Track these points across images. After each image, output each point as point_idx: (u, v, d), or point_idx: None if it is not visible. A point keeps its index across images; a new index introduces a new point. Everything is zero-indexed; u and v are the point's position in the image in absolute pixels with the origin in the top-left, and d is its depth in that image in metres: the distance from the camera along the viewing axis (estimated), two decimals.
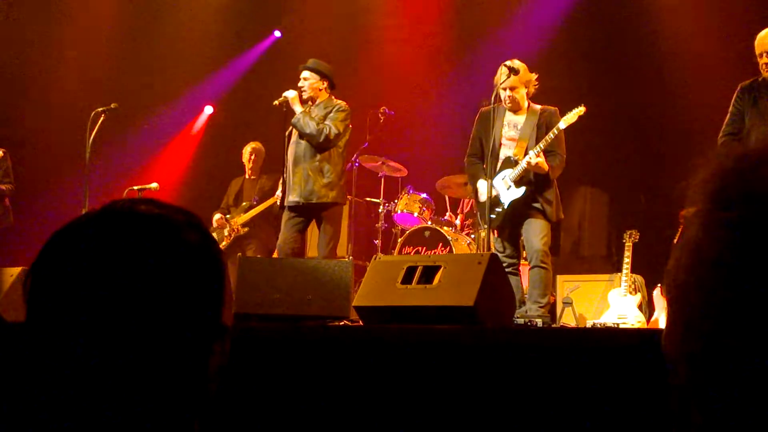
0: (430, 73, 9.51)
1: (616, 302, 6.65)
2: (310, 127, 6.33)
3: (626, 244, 6.82)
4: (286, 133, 6.58)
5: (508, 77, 5.75)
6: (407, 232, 7.75)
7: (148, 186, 7.53)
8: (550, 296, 5.90)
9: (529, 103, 5.91)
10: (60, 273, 0.99)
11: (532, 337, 3.44)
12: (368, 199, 8.40)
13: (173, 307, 1.00)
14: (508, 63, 5.80)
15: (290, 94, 6.48)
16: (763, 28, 5.23)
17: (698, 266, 0.76)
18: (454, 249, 7.33)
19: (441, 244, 7.48)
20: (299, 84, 6.56)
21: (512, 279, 5.15)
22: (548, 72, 6.60)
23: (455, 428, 3.06)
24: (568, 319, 6.89)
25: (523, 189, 5.71)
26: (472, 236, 7.76)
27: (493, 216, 5.72)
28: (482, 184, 5.83)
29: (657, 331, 4.41)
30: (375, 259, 4.46)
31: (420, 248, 7.56)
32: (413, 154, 8.72)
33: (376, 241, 8.05)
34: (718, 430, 0.75)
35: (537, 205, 5.72)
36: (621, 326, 6.03)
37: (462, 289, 3.75)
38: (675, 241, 0.84)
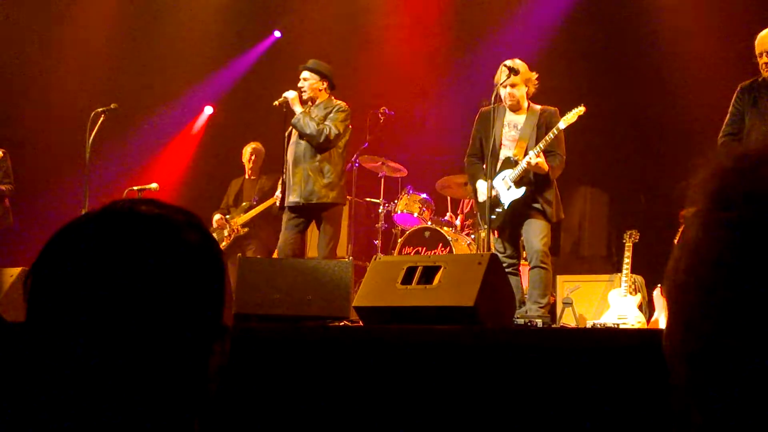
0: (430, 73, 9.51)
1: (616, 302, 6.65)
2: (310, 127, 6.33)
3: (626, 244, 6.81)
4: (286, 134, 6.58)
5: (508, 77, 5.75)
6: (407, 232, 7.75)
7: (148, 186, 7.53)
8: (550, 296, 5.90)
9: (529, 104, 5.91)
10: (60, 273, 0.99)
11: (532, 337, 3.44)
12: (368, 199, 8.40)
13: (173, 307, 1.00)
14: (508, 63, 5.80)
15: (290, 94, 6.48)
16: (763, 28, 5.23)
17: (698, 266, 0.76)
18: (454, 249, 7.33)
19: (441, 244, 7.48)
20: (299, 84, 6.56)
21: (512, 279, 5.14)
22: (548, 72, 6.60)
23: (455, 428, 3.06)
24: (568, 320, 6.89)
25: (523, 189, 5.71)
26: (472, 236, 7.76)
27: (493, 216, 5.72)
28: (482, 184, 5.83)
29: (657, 332, 4.41)
30: (375, 259, 4.46)
31: (420, 248, 7.56)
32: (413, 154, 8.72)
33: (376, 242, 8.05)
34: (718, 430, 0.75)
35: (537, 205, 5.72)
36: (621, 326, 6.03)
37: (462, 289, 3.75)
38: (675, 241, 0.84)
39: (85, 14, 9.38)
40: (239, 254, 7.74)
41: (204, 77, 9.98)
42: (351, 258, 7.70)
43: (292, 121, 6.44)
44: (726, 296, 0.73)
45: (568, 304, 6.97)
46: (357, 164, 8.01)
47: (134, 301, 0.98)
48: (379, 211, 8.13)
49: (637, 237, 6.83)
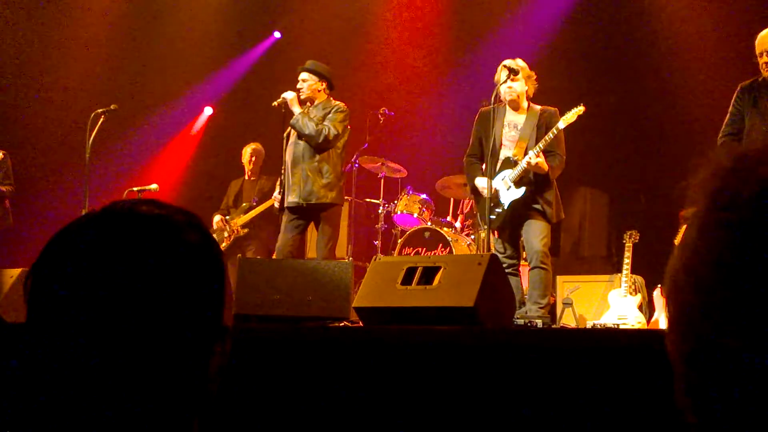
0: (430, 74, 9.51)
1: (616, 303, 6.65)
2: (309, 127, 6.33)
3: (626, 244, 6.81)
4: (285, 135, 6.58)
5: (508, 77, 5.75)
6: (407, 232, 7.75)
7: (147, 187, 7.54)
8: (550, 297, 5.90)
9: (529, 104, 5.91)
10: (61, 273, 0.99)
11: (532, 337, 3.44)
12: (368, 199, 8.41)
13: (174, 307, 1.00)
14: (507, 63, 5.81)
15: (289, 95, 6.48)
16: (763, 28, 5.23)
17: (698, 266, 0.76)
18: (454, 250, 7.33)
19: (441, 244, 7.48)
20: (298, 86, 6.56)
21: (512, 280, 5.14)
22: (548, 72, 6.60)
23: (456, 429, 3.06)
24: (568, 320, 6.89)
25: (522, 189, 5.71)
26: (472, 237, 7.76)
27: (492, 216, 5.72)
28: (481, 181, 5.83)
29: (657, 332, 4.41)
30: (375, 259, 4.46)
31: (420, 249, 7.56)
32: (413, 154, 8.72)
33: (376, 242, 8.05)
34: (717, 430, 0.75)
35: (537, 206, 5.72)
36: (621, 327, 6.03)
37: (462, 289, 3.75)
38: (675, 241, 0.84)
39: (85, 15, 9.38)
40: (239, 255, 7.74)
41: (204, 78, 9.98)
42: (351, 258, 7.70)
43: (291, 121, 6.44)
44: (726, 296, 0.73)
45: (568, 304, 6.97)
46: (357, 165, 8.01)
47: (134, 301, 0.98)
48: (379, 211, 8.13)
49: (637, 237, 6.83)
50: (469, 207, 8.12)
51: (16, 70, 9.06)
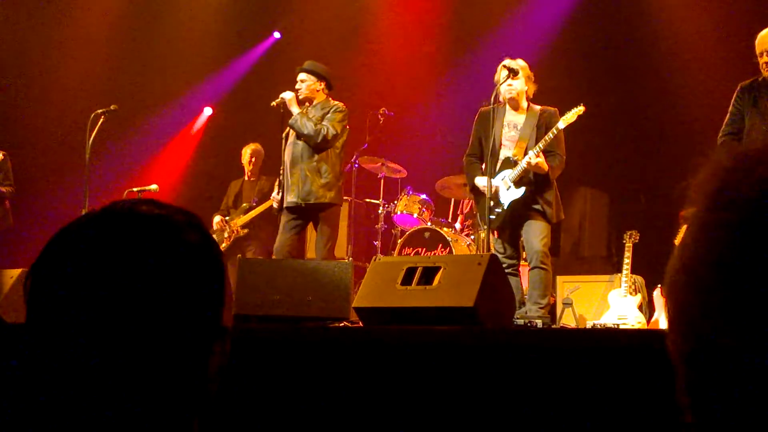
0: (429, 74, 9.51)
1: (616, 303, 6.65)
2: (308, 127, 6.33)
3: (626, 244, 6.81)
4: (284, 135, 6.58)
5: (508, 77, 5.75)
6: (407, 233, 7.75)
7: (147, 188, 7.54)
8: (550, 297, 5.90)
9: (528, 104, 5.91)
10: (60, 273, 0.99)
11: (532, 337, 3.44)
12: (368, 200, 8.41)
13: (174, 307, 1.00)
14: (507, 63, 5.81)
15: (287, 95, 6.48)
16: (763, 28, 5.23)
17: (697, 267, 0.76)
18: (453, 250, 7.33)
19: (441, 245, 7.48)
20: (296, 86, 6.56)
21: (512, 280, 5.14)
22: (548, 72, 6.60)
23: (456, 429, 3.06)
24: (568, 320, 6.89)
25: (522, 189, 5.71)
26: (472, 237, 7.76)
27: (492, 216, 5.72)
28: (481, 180, 5.82)
29: (657, 332, 4.41)
30: (375, 260, 4.46)
31: (420, 249, 7.56)
32: (413, 155, 8.72)
33: (376, 242, 8.05)
34: (717, 430, 0.75)
35: (537, 206, 5.72)
36: (621, 327, 6.03)
37: (462, 289, 3.75)
38: (675, 241, 0.84)
39: (85, 15, 9.39)
40: (239, 255, 7.74)
41: (204, 78, 9.98)
42: (351, 259, 7.70)
43: (290, 121, 6.44)
44: (725, 296, 0.73)
45: (568, 304, 6.97)
46: (357, 165, 8.01)
47: (134, 301, 0.98)
48: (379, 211, 8.13)
49: (637, 237, 6.82)
50: (468, 207, 8.12)
51: (16, 70, 9.07)
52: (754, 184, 0.74)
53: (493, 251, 5.56)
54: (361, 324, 4.12)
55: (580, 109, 5.72)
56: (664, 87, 8.11)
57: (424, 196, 7.97)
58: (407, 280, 3.97)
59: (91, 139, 6.75)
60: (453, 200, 8.43)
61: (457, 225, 8.03)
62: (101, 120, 6.80)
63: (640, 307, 6.61)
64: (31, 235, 7.09)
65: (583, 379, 2.95)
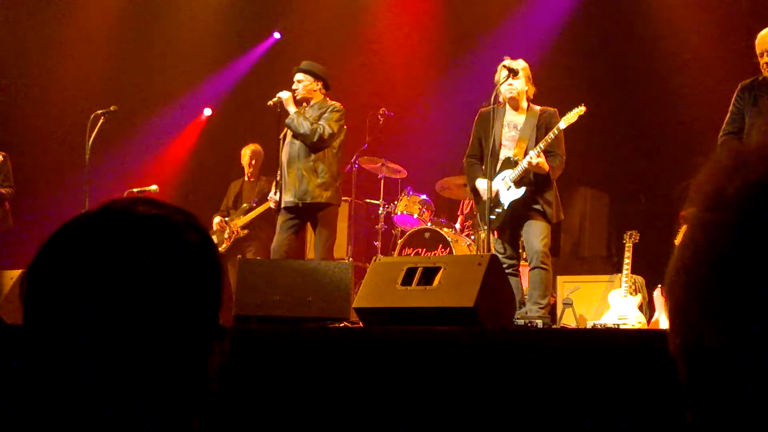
0: (429, 74, 9.51)
1: (616, 303, 6.65)
2: (304, 127, 6.31)
3: (626, 244, 6.81)
4: (281, 135, 6.57)
5: (508, 77, 5.75)
6: (407, 233, 7.75)
7: (147, 188, 7.54)
8: (551, 297, 5.90)
9: (528, 104, 5.91)
10: (58, 274, 0.99)
11: (533, 338, 3.44)
12: (368, 200, 8.40)
13: (173, 307, 1.00)
14: (507, 63, 5.81)
15: (284, 95, 6.47)
16: (763, 28, 5.23)
17: (697, 267, 0.76)
18: (454, 250, 7.33)
19: (441, 245, 7.48)
20: (293, 86, 6.55)
21: (512, 280, 5.14)
22: (548, 72, 6.60)
23: (456, 429, 3.06)
24: (568, 320, 6.88)
25: (523, 189, 5.71)
26: (472, 237, 7.76)
27: (492, 217, 5.72)
28: (481, 182, 5.83)
29: (657, 332, 4.41)
30: (375, 260, 4.46)
31: (420, 249, 7.56)
32: (413, 155, 8.72)
33: (376, 243, 8.05)
34: (716, 430, 0.75)
35: (537, 206, 5.72)
36: (621, 327, 6.03)
37: (462, 290, 3.76)
38: (675, 241, 0.84)
39: (85, 15, 9.39)
40: (239, 256, 7.74)
41: (203, 79, 9.98)
42: (351, 259, 7.69)
43: (286, 121, 6.42)
44: (724, 297, 0.73)
45: (568, 304, 6.96)
46: (357, 165, 8.01)
47: (133, 301, 0.97)
48: (379, 212, 8.13)
49: (637, 237, 6.82)
50: (469, 208, 8.12)
51: (16, 70, 9.07)
52: (740, 185, 0.74)
53: (493, 251, 5.56)
54: (361, 324, 4.12)
55: (581, 110, 5.72)
56: (664, 87, 8.10)
57: (424, 197, 7.97)
58: (407, 280, 3.97)
59: (91, 139, 6.75)
60: (453, 200, 8.43)
61: (457, 225, 8.03)
62: (101, 120, 6.80)
63: (641, 307, 6.61)
64: (31, 236, 7.08)
65: (583, 379, 2.95)
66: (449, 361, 3.16)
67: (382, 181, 8.25)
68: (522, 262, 6.13)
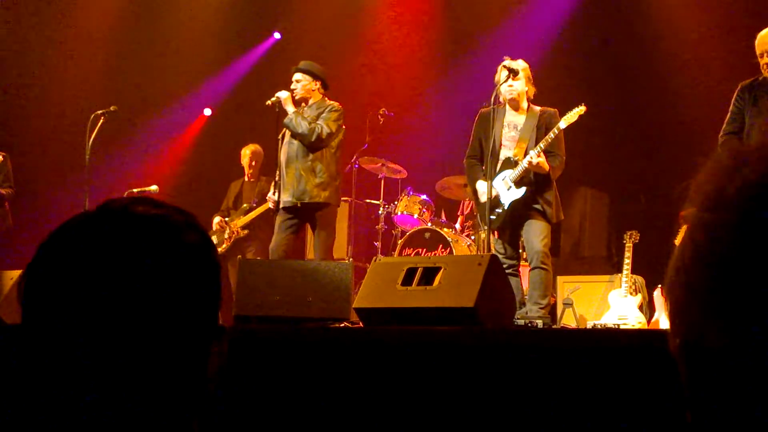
0: (429, 74, 9.51)
1: (616, 303, 6.64)
2: (302, 126, 6.31)
3: (626, 244, 6.81)
4: (280, 135, 6.57)
5: (508, 78, 5.75)
6: (407, 233, 7.74)
7: (147, 188, 7.54)
8: (551, 297, 5.89)
9: (529, 105, 5.91)
10: (56, 274, 0.98)
11: (533, 338, 3.44)
12: (368, 200, 8.40)
13: (172, 308, 1.00)
14: (507, 63, 5.81)
15: (282, 94, 6.46)
16: (763, 28, 5.23)
17: (696, 267, 0.76)
18: (454, 250, 7.33)
19: (441, 245, 7.48)
20: (291, 86, 6.54)
21: (512, 280, 5.14)
22: (548, 72, 6.59)
23: (456, 429, 3.06)
24: (568, 320, 6.88)
25: (523, 189, 5.71)
26: (472, 238, 7.76)
27: (493, 217, 5.72)
28: (482, 184, 5.83)
29: (657, 332, 4.41)
30: (375, 260, 4.46)
31: (420, 250, 7.55)
32: (413, 155, 8.72)
33: (376, 243, 8.05)
34: (716, 430, 0.75)
35: (537, 206, 5.72)
36: (621, 327, 6.03)
37: (462, 290, 3.76)
38: (675, 241, 0.84)
39: (85, 16, 9.38)
40: (239, 256, 7.73)
41: (203, 79, 9.97)
42: (351, 259, 7.69)
43: (285, 121, 6.42)
44: (723, 297, 0.73)
45: (568, 304, 6.96)
46: (357, 165, 8.01)
47: (133, 301, 0.97)
48: (379, 212, 8.13)
49: (638, 237, 6.82)
50: (469, 208, 8.12)
51: (16, 71, 9.07)
52: (737, 185, 0.74)
53: (493, 252, 5.56)
54: (361, 324, 4.12)
55: (581, 109, 5.72)
56: (664, 87, 8.10)
57: (424, 197, 7.97)
58: (408, 280, 3.97)
59: (91, 139, 6.75)
60: (451, 202, 8.42)
61: (457, 225, 8.03)
62: (101, 121, 6.80)
63: (641, 308, 6.61)
64: (31, 236, 7.08)
65: (583, 379, 2.95)
66: (449, 361, 3.16)
67: (382, 181, 8.25)
68: (522, 263, 6.13)
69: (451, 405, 3.08)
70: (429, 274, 3.96)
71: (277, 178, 6.51)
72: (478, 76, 7.35)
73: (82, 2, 9.43)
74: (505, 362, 3.09)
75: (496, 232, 5.86)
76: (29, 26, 9.10)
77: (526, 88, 5.86)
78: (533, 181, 5.72)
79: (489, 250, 5.59)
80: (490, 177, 5.73)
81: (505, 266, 5.11)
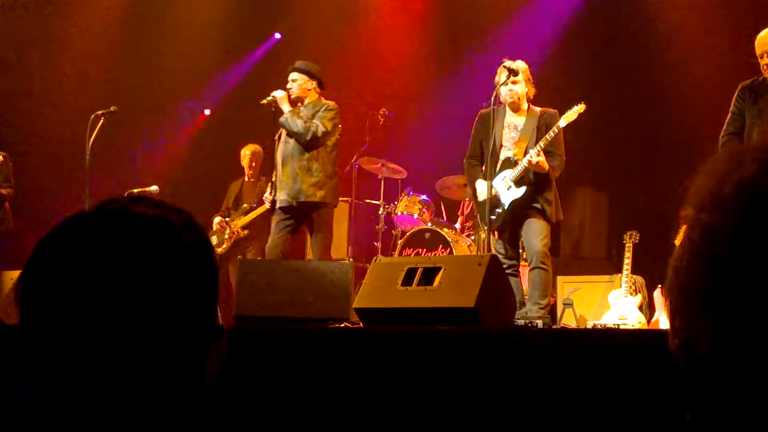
0: (430, 75, 9.51)
1: (616, 303, 6.64)
2: (297, 125, 6.29)
3: (626, 244, 6.81)
4: (276, 136, 6.56)
5: (508, 78, 5.75)
6: (407, 233, 7.74)
7: (147, 189, 7.53)
8: (551, 297, 5.89)
9: (529, 105, 5.91)
10: (54, 273, 0.98)
11: (533, 338, 3.44)
12: (368, 200, 8.40)
13: (171, 308, 1.00)
14: (507, 63, 5.81)
15: (278, 93, 6.45)
16: (763, 28, 5.23)
17: (695, 268, 0.76)
18: (454, 250, 7.33)
19: (441, 245, 7.48)
20: (287, 86, 6.53)
21: (512, 280, 5.14)
22: (549, 72, 6.59)
23: (456, 429, 3.06)
24: (568, 320, 6.87)
25: (523, 189, 5.71)
26: (472, 238, 7.76)
27: (493, 217, 5.72)
28: (481, 184, 5.83)
29: (658, 333, 4.41)
30: (375, 260, 4.47)
31: (420, 250, 7.55)
32: (413, 155, 8.72)
33: (377, 243, 8.05)
34: (715, 430, 0.75)
35: (537, 205, 5.71)
36: (621, 327, 6.03)
37: (462, 290, 3.76)
38: (675, 241, 0.84)
39: (85, 16, 9.39)
40: (240, 256, 7.73)
41: (204, 79, 9.98)
42: (351, 259, 7.69)
43: (280, 120, 6.41)
44: (723, 297, 0.73)
45: (568, 304, 6.95)
46: (357, 166, 8.01)
47: (131, 301, 0.97)
48: (379, 212, 8.13)
49: (637, 237, 6.82)
50: (469, 208, 8.12)
51: (16, 71, 9.07)
52: (732, 186, 0.74)
53: (493, 252, 5.56)
54: (361, 325, 4.12)
55: (581, 107, 5.72)
56: (664, 87, 8.11)
57: (424, 197, 7.97)
58: (408, 280, 3.97)
59: (91, 140, 6.75)
60: (451, 202, 8.42)
61: (457, 225, 8.03)
62: (101, 121, 6.80)
63: (641, 308, 6.61)
64: (31, 237, 7.08)
65: (584, 379, 2.95)
66: (449, 361, 3.16)
67: (383, 181, 8.24)
68: (522, 263, 6.13)
69: (451, 405, 3.08)
70: (429, 275, 3.96)
71: (273, 178, 6.50)
72: (477, 76, 7.35)
73: (82, 2, 9.44)
74: (505, 362, 3.09)
75: (496, 232, 5.86)
76: (30, 26, 9.10)
77: (526, 89, 5.86)
78: (533, 180, 5.72)
79: (489, 250, 5.59)
80: (490, 177, 5.73)
81: (505, 266, 5.11)
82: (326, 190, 6.36)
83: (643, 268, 6.81)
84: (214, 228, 8.13)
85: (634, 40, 8.40)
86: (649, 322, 6.49)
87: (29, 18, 9.07)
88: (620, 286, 6.69)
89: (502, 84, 5.78)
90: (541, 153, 5.64)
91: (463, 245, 7.53)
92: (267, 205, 6.64)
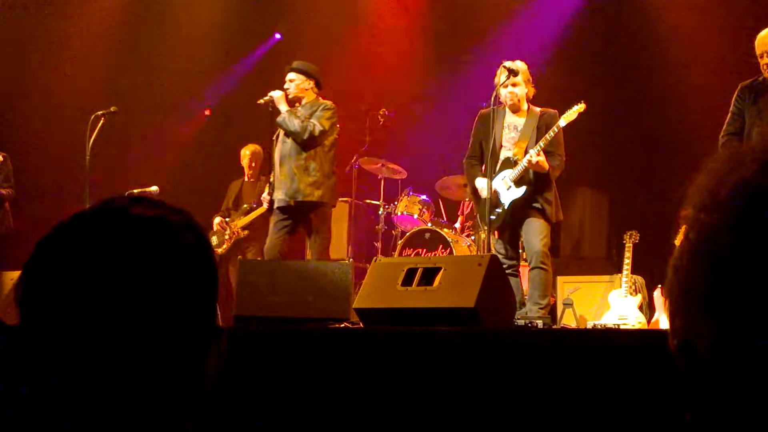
0: (429, 75, 9.51)
1: (616, 303, 6.64)
2: (294, 124, 6.29)
3: (626, 245, 6.81)
4: (274, 136, 6.55)
5: (508, 78, 5.76)
6: (407, 233, 7.74)
7: (148, 189, 7.53)
8: (551, 297, 5.89)
9: (529, 106, 5.92)
10: (53, 274, 0.98)
11: (533, 338, 3.44)
12: (368, 201, 8.40)
13: (170, 307, 0.99)
14: (507, 63, 5.81)
15: (276, 93, 6.45)
16: (763, 28, 5.23)
17: (694, 268, 0.76)
18: (454, 251, 7.33)
19: (441, 245, 7.48)
20: (285, 86, 6.53)
21: (512, 280, 5.14)
22: (549, 73, 6.58)
23: (456, 429, 3.06)
24: (568, 321, 6.87)
25: (523, 189, 5.71)
26: (472, 238, 7.76)
27: (493, 217, 5.72)
28: (481, 181, 5.83)
29: (658, 333, 4.41)
30: (375, 261, 4.47)
31: (420, 250, 7.55)
32: (413, 155, 8.72)
33: (377, 243, 8.05)
34: (715, 430, 0.75)
35: (537, 204, 5.72)
36: (621, 327, 6.03)
37: (463, 290, 3.76)
38: (675, 241, 0.85)
39: (85, 16, 9.39)
40: (240, 257, 7.73)
41: (204, 79, 9.97)
42: (351, 260, 7.69)
43: (278, 119, 6.40)
44: (722, 297, 0.73)
45: (568, 305, 6.96)
46: (357, 166, 8.00)
47: (131, 301, 0.97)
48: (379, 212, 8.13)
49: (637, 237, 6.82)
50: (469, 208, 8.12)
51: (16, 71, 9.07)
52: (730, 187, 0.74)
53: (493, 252, 5.56)
54: (361, 325, 4.12)
55: (581, 107, 5.73)
56: (664, 87, 8.11)
57: (424, 197, 7.97)
58: (408, 281, 3.97)
59: (92, 140, 6.75)
60: (451, 202, 8.42)
61: (457, 225, 8.03)
62: (101, 122, 6.80)
63: (641, 308, 6.61)
64: (31, 237, 7.07)
65: (584, 379, 2.95)
66: (449, 361, 3.16)
67: (382, 181, 8.24)
68: (522, 263, 6.13)
69: (451, 405, 3.08)
70: (429, 275, 3.96)
71: (271, 178, 6.50)
72: (477, 77, 7.35)
73: (82, 2, 9.44)
74: (505, 362, 3.09)
75: (496, 232, 5.86)
76: (30, 26, 9.10)
77: (526, 90, 5.87)
78: (533, 180, 5.72)
79: (489, 250, 5.59)
80: (490, 178, 5.73)
81: (505, 266, 5.11)
82: (324, 189, 6.35)
83: (643, 268, 6.81)
84: (214, 228, 8.13)
85: (635, 40, 8.40)
86: (649, 322, 6.49)
87: (29, 18, 9.07)
88: (620, 286, 6.69)
89: (502, 85, 5.78)
90: (541, 153, 5.64)
91: (463, 245, 7.53)
92: (265, 205, 6.63)
